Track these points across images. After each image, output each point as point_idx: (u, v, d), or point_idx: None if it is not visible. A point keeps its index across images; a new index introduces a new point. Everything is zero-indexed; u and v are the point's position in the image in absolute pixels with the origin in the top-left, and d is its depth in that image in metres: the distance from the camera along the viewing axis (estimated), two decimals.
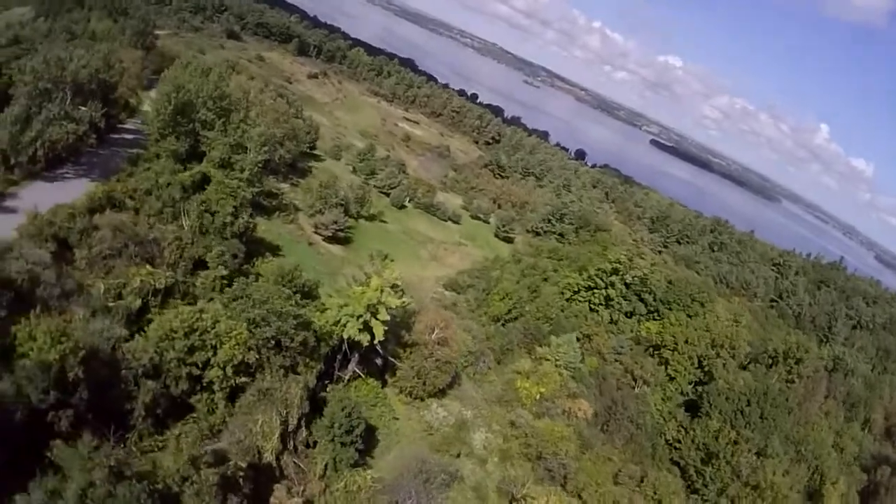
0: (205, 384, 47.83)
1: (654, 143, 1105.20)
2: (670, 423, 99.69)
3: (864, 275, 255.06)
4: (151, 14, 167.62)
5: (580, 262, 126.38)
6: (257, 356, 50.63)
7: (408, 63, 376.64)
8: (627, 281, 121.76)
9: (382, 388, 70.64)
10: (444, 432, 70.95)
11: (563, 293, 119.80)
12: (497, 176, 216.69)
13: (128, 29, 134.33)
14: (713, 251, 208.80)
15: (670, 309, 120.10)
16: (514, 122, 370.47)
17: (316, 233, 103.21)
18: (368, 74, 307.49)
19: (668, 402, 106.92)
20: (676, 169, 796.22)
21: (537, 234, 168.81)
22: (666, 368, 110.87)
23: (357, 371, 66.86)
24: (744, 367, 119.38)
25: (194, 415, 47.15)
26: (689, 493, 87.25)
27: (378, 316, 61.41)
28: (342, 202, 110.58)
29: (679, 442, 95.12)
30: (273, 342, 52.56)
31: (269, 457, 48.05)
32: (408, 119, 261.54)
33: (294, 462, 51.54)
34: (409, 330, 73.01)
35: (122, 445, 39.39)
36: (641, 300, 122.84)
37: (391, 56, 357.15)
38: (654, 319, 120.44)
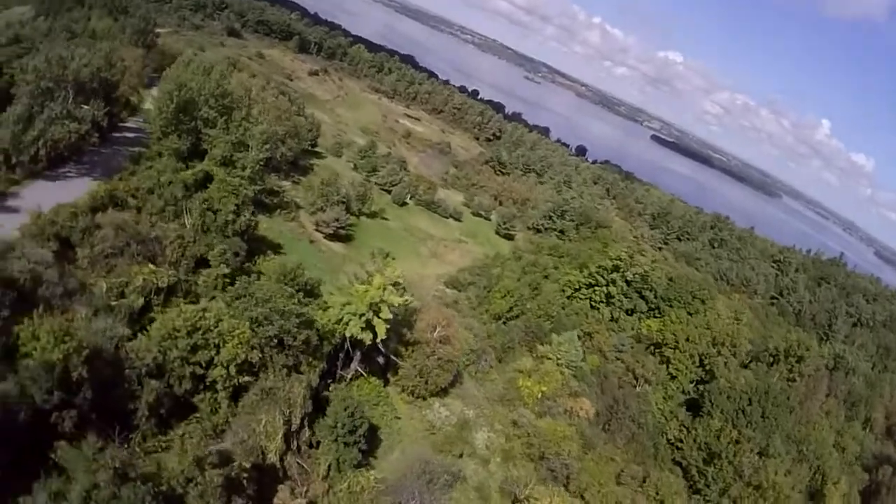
0: (208, 383, 47.77)
1: (654, 138, 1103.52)
2: (672, 423, 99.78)
3: (864, 271, 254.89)
4: (152, 12, 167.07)
5: (581, 259, 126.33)
6: (260, 355, 50.59)
7: (408, 60, 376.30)
8: (628, 278, 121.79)
9: (384, 386, 70.67)
10: (446, 432, 70.94)
11: (563, 291, 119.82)
12: (498, 172, 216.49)
13: (128, 27, 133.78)
14: (713, 248, 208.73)
15: (671, 306, 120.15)
16: (515, 118, 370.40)
17: (317, 230, 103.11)
18: (369, 71, 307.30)
19: (669, 400, 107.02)
20: (677, 164, 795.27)
21: (538, 230, 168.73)
22: (667, 367, 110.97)
23: (359, 370, 66.84)
24: (745, 366, 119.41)
25: (197, 414, 47.10)
26: (692, 493, 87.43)
27: (380, 314, 61.34)
28: (343, 199, 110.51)
29: (681, 441, 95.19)
30: (276, 341, 52.54)
31: (272, 457, 48.08)
32: (409, 116, 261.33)
33: (297, 462, 51.56)
34: (411, 328, 72.94)
35: (126, 446, 39.32)
36: (642, 297, 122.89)
37: (392, 53, 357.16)
38: (655, 317, 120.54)
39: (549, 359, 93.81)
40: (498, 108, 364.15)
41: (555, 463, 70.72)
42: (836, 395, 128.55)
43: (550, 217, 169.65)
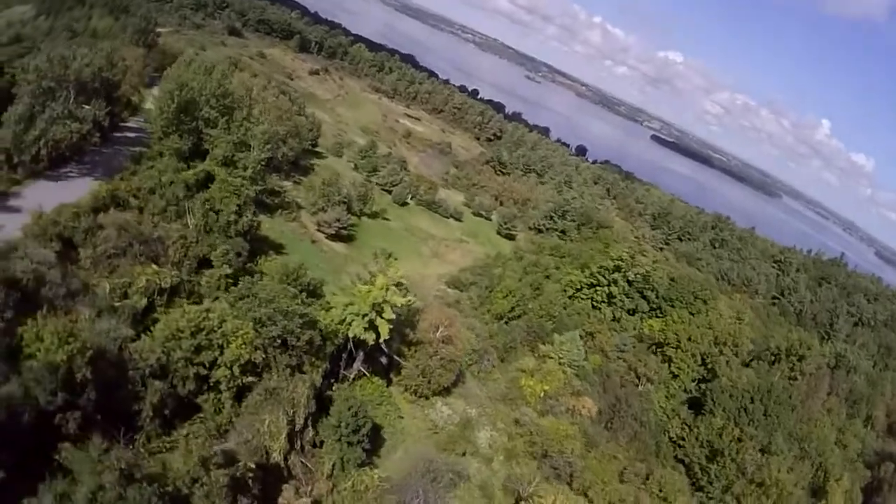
0: (211, 384, 47.69)
1: (654, 138, 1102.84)
2: (674, 421, 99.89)
3: (864, 271, 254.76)
4: (153, 11, 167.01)
5: (582, 259, 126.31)
6: (264, 355, 50.56)
7: (409, 59, 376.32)
8: (630, 278, 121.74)
9: (387, 386, 70.62)
10: (449, 431, 70.95)
11: (565, 291, 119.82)
12: (498, 172, 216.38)
13: (129, 27, 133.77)
14: (714, 248, 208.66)
15: (673, 306, 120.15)
16: (516, 118, 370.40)
17: (319, 230, 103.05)
18: (370, 71, 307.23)
19: (671, 399, 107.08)
20: (677, 164, 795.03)
21: (539, 231, 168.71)
22: (669, 366, 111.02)
23: (362, 370, 66.78)
24: (746, 365, 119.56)
25: (201, 415, 47.06)
26: (694, 490, 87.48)
27: (383, 315, 61.28)
28: (345, 200, 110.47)
29: (683, 439, 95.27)
30: (279, 341, 52.51)
31: (276, 457, 48.01)
32: (409, 115, 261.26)
33: (301, 462, 51.47)
34: (414, 328, 72.92)
35: (131, 447, 39.27)
36: (644, 297, 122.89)
37: (392, 52, 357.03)
38: (657, 317, 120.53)
39: (552, 358, 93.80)
40: (498, 107, 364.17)
41: (558, 461, 70.71)
42: (837, 394, 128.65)
43: (552, 217, 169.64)
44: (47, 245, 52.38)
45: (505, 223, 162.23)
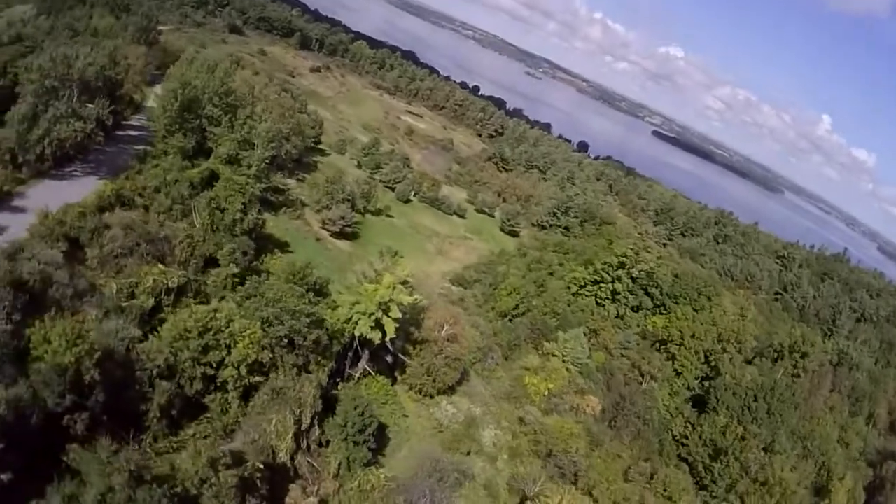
0: (218, 384, 47.80)
1: (656, 134, 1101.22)
2: (677, 419, 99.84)
3: (867, 266, 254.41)
4: (154, 9, 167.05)
5: (586, 255, 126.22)
6: (271, 355, 50.63)
7: (410, 56, 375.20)
8: (634, 275, 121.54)
9: (392, 385, 70.61)
10: (453, 430, 71.00)
11: (569, 287, 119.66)
12: (501, 169, 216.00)
13: (130, 25, 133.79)
14: (718, 243, 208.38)
15: (677, 303, 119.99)
16: (517, 114, 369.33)
17: (323, 228, 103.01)
18: (371, 68, 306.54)
19: (675, 397, 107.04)
20: (679, 160, 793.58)
21: (542, 227, 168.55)
22: (673, 363, 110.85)
23: (367, 369, 66.84)
24: (749, 362, 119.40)
25: (208, 415, 47.16)
26: (698, 489, 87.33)
27: (390, 314, 61.26)
28: (349, 197, 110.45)
29: (686, 438, 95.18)
30: (286, 341, 52.53)
31: (283, 456, 48.08)
32: (411, 112, 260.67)
33: (308, 461, 51.55)
34: (419, 327, 72.90)
35: (138, 447, 39.28)
36: (648, 294, 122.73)
37: (393, 49, 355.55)
38: (661, 314, 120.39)
39: (556, 356, 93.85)
40: (499, 104, 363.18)
41: (562, 460, 70.74)
42: (839, 391, 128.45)
43: (555, 214, 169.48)
44: (54, 245, 52.42)
45: (508, 220, 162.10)
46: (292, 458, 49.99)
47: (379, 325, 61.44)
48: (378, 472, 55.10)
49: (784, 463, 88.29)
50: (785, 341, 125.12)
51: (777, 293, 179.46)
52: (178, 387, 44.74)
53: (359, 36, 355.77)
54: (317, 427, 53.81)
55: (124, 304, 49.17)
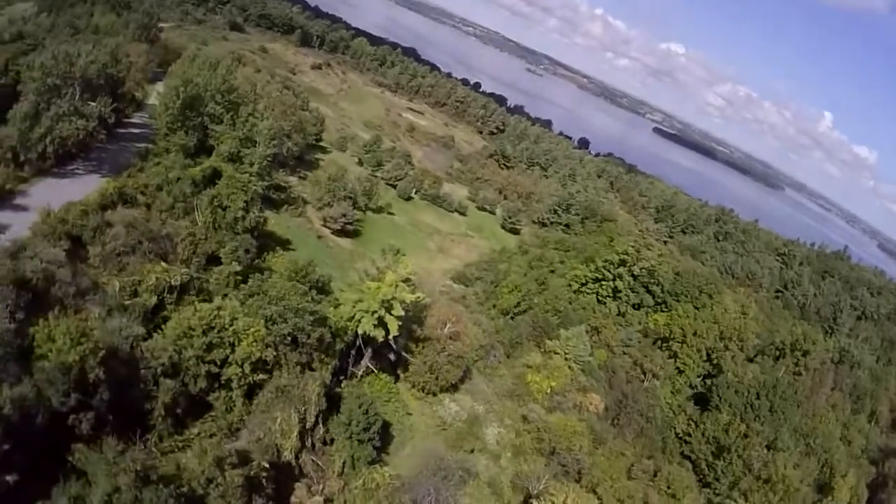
0: (223, 382, 47.77)
1: (657, 130, 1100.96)
2: (680, 417, 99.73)
3: (867, 264, 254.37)
4: (154, 7, 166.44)
5: (587, 253, 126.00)
6: (274, 353, 50.60)
7: (411, 53, 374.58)
8: (635, 272, 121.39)
9: (395, 383, 70.63)
10: (457, 428, 71.00)
11: (570, 285, 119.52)
12: (502, 166, 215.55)
13: (131, 22, 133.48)
14: (718, 241, 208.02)
15: (678, 301, 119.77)
16: (518, 111, 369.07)
17: (325, 226, 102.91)
18: (372, 64, 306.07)
19: (677, 395, 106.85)
20: (680, 157, 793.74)
21: (544, 224, 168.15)
22: (675, 361, 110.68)
23: (370, 366, 66.79)
24: (751, 360, 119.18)
25: (212, 413, 47.14)
26: (701, 486, 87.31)
27: (392, 311, 61.21)
28: (350, 195, 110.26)
29: (689, 435, 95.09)
30: (290, 339, 52.52)
31: (288, 455, 48.01)
32: (412, 109, 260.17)
33: (313, 460, 51.49)
34: (421, 324, 72.79)
35: (143, 447, 39.20)
36: (649, 292, 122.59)
37: (394, 46, 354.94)
38: (662, 311, 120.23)
39: (558, 354, 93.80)
40: (500, 100, 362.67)
41: (566, 458, 70.62)
42: (841, 389, 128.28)
43: (556, 211, 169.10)
44: (56, 244, 52.31)
45: (509, 217, 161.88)
46: (297, 457, 49.94)
47: (382, 323, 61.40)
48: (382, 470, 55.03)
49: (787, 460, 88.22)
50: (786, 339, 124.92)
51: (778, 291, 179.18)
52: (182, 385, 44.71)
53: (359, 33, 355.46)
54: (321, 425, 53.76)
55: (127, 302, 49.07)
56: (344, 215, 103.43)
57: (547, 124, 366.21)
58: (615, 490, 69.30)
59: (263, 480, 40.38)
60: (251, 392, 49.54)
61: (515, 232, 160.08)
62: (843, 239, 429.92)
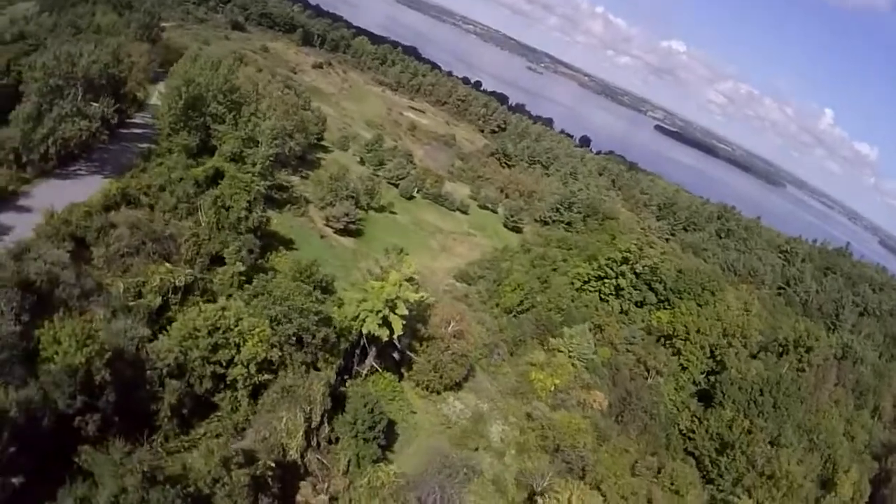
0: (228, 382, 47.86)
1: (658, 128, 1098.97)
2: (684, 413, 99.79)
3: (869, 261, 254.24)
4: (156, 6, 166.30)
5: (589, 251, 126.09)
6: (280, 353, 50.73)
7: (411, 51, 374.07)
8: (637, 270, 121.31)
9: (399, 382, 70.76)
10: (461, 426, 71.14)
11: (573, 283, 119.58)
12: (504, 165, 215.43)
13: (133, 22, 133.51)
14: (720, 238, 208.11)
15: (681, 298, 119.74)
16: (519, 109, 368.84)
17: (327, 225, 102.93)
18: (373, 63, 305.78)
19: (680, 391, 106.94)
20: (681, 154, 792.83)
21: (545, 223, 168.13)
22: (678, 358, 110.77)
23: (375, 366, 66.91)
24: (754, 356, 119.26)
25: (218, 413, 47.22)
26: (705, 483, 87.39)
27: (397, 311, 61.31)
28: (352, 194, 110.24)
29: (693, 432, 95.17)
30: (294, 339, 52.64)
31: (293, 454, 48.16)
32: (413, 108, 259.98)
33: (318, 459, 51.62)
34: (425, 323, 72.88)
35: (150, 447, 39.28)
36: (652, 289, 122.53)
37: (395, 44, 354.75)
38: (665, 309, 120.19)
39: (561, 352, 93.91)
40: (502, 99, 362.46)
41: (570, 455, 70.81)
42: (844, 385, 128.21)
43: (558, 209, 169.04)
44: (60, 245, 52.35)
45: (511, 216, 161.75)
46: (302, 456, 50.08)
47: (386, 323, 61.47)
48: (387, 468, 55.20)
49: (790, 456, 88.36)
50: (789, 336, 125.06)
51: (780, 288, 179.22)
52: (188, 386, 44.82)
53: (360, 31, 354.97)
54: (326, 424, 53.89)
55: (132, 304, 49.17)
56: (346, 214, 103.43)
57: (548, 122, 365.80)
58: (619, 487, 69.33)
59: (269, 479, 40.50)
60: (257, 392, 49.65)
61: (518, 230, 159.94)
62: (844, 236, 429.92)
